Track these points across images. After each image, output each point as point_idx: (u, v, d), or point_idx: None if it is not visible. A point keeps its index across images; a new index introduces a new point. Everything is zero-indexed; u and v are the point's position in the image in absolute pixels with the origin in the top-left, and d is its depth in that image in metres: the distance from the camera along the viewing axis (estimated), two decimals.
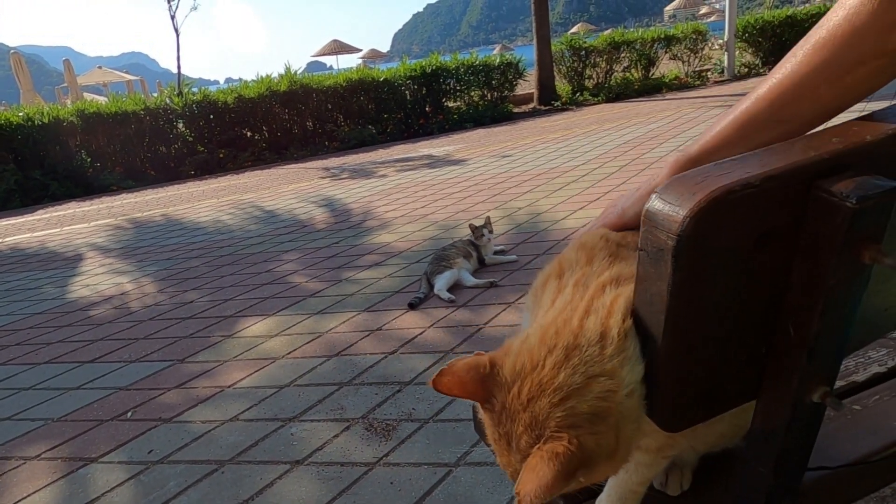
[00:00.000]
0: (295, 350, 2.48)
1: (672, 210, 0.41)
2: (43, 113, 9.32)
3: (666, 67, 12.96)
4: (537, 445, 0.48)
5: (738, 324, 0.47)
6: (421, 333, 2.46)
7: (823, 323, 0.47)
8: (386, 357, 2.29)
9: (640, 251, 0.44)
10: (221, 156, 9.88)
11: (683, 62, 12.79)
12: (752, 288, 0.46)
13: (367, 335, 2.52)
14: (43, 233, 6.37)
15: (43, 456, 1.96)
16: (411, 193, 5.43)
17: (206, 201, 6.88)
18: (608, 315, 0.50)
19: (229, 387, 2.24)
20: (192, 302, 3.31)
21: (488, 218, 3.28)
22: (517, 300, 2.67)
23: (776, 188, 0.42)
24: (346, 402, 2.00)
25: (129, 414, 2.15)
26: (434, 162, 7.27)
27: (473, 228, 3.19)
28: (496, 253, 3.22)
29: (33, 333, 3.18)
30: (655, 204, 0.43)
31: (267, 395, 2.14)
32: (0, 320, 3.50)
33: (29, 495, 1.76)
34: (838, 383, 0.91)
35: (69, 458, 1.92)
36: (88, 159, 9.56)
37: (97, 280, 4.11)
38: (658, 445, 0.64)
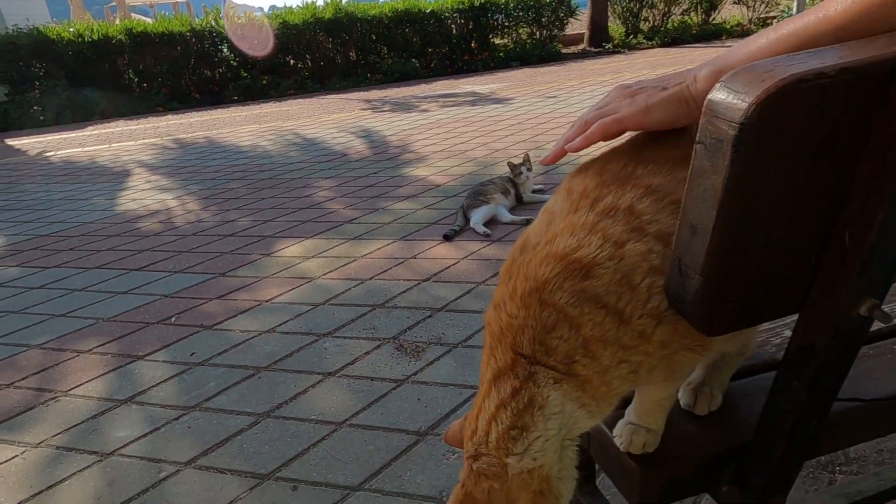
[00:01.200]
0: (330, 272, 2.54)
1: (737, 98, 0.40)
2: (92, 30, 9.40)
3: (728, 12, 12.21)
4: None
5: (792, 228, 0.46)
6: (454, 265, 2.48)
7: (881, 235, 0.46)
8: (419, 284, 2.33)
9: (698, 144, 0.43)
10: (265, 82, 9.87)
11: (748, 7, 12.01)
12: (812, 191, 0.44)
13: (401, 262, 2.56)
14: (92, 148, 6.56)
15: (94, 350, 2.09)
16: (451, 129, 5.37)
17: (248, 126, 6.94)
18: (491, 420, 0.60)
19: (267, 301, 2.33)
20: (232, 221, 3.40)
21: (527, 155, 3.23)
22: None
23: (851, 82, 0.40)
24: (378, 323, 2.06)
25: (174, 319, 2.26)
26: (477, 99, 7.13)
27: (512, 166, 3.15)
28: (534, 192, 3.18)
29: (84, 241, 3.33)
30: (719, 94, 0.41)
31: (302, 311, 2.21)
32: (54, 227, 3.66)
33: (82, 384, 1.89)
34: (878, 325, 0.90)
35: (118, 354, 2.05)
36: (136, 79, 9.68)
37: (143, 195, 4.24)
38: (662, 396, 0.68)
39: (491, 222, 2.88)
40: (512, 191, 3.09)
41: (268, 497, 1.34)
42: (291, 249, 2.86)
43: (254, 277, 2.58)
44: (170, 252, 3.00)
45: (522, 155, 3.28)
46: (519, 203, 3.11)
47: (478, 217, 2.84)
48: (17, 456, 1.58)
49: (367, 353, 1.89)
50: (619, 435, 0.69)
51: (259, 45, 9.70)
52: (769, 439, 0.61)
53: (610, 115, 0.66)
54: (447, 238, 2.75)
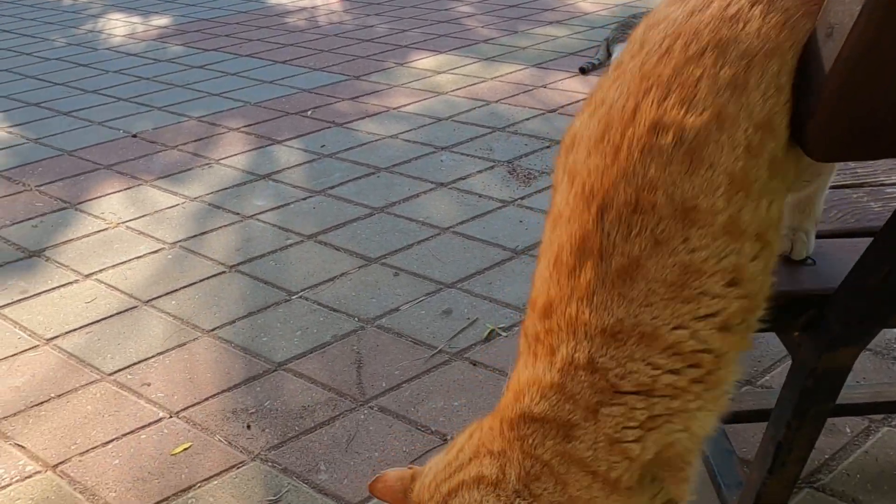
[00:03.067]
0: (458, 89, 2.53)
1: None
2: None
3: None
4: None
5: None
6: (583, 100, 2.37)
7: None
8: (543, 114, 2.28)
9: None
10: None
11: None
12: None
13: (530, 90, 2.48)
14: None
15: (241, 129, 2.33)
16: None
17: None
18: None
19: (395, 109, 2.40)
20: (371, 27, 3.40)
21: None
22: None
23: None
24: (496, 146, 2.08)
25: (310, 112, 2.42)
26: None
27: None
28: None
29: (238, 29, 3.52)
30: None
31: (426, 123, 2.27)
32: (213, 13, 3.88)
33: (230, 156, 2.14)
34: None
35: (261, 136, 2.26)
36: None
37: None
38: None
39: None
40: None
41: (372, 277, 1.52)
42: (424, 62, 2.85)
43: (385, 84, 2.64)
44: (312, 50, 3.11)
45: None
46: None
47: (620, 52, 2.62)
48: (179, 204, 1.88)
49: (480, 171, 1.94)
50: None
51: None
52: (857, 286, 0.59)
53: None
54: (583, 71, 2.59)
